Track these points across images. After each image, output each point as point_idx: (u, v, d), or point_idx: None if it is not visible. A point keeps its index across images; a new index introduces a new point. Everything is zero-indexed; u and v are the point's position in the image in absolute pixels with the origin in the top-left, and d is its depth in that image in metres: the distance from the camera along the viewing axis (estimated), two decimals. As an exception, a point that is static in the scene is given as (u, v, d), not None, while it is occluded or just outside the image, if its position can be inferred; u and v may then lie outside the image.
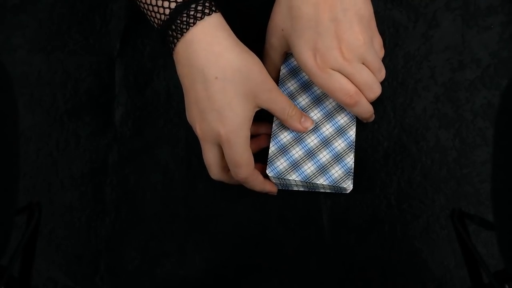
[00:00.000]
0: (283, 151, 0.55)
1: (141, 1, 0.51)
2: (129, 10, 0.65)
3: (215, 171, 0.54)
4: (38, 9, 0.67)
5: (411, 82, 0.58)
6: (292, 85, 0.58)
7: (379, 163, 0.57)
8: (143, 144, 0.62)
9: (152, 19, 0.51)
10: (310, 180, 0.54)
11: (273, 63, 0.57)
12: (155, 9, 0.50)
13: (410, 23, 0.60)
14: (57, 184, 0.62)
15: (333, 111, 0.56)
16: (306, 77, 0.58)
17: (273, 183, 0.57)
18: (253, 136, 0.56)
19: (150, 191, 0.61)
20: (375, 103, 0.55)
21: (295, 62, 0.59)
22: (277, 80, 0.59)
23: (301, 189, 0.57)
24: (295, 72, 0.58)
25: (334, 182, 0.54)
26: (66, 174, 0.62)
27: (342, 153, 0.55)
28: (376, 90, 0.53)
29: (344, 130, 0.56)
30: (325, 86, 0.52)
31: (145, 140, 0.62)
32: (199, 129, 0.51)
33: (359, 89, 0.52)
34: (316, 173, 0.54)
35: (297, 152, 0.55)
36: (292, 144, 0.56)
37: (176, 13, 0.49)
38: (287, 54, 0.59)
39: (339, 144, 0.55)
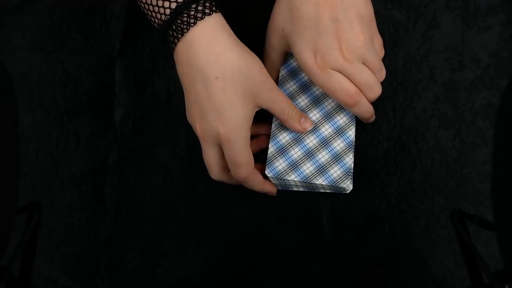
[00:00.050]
0: (282, 152, 0.55)
1: (141, 1, 0.51)
2: (129, 10, 0.65)
3: (215, 171, 0.54)
4: (38, 9, 0.67)
5: (411, 82, 0.58)
6: (291, 86, 0.58)
7: (379, 163, 0.57)
8: (143, 144, 0.62)
9: (152, 19, 0.51)
10: (309, 180, 0.54)
11: (273, 63, 0.57)
12: (156, 9, 0.50)
13: (410, 23, 0.60)
14: (57, 184, 0.62)
15: (332, 112, 0.57)
16: (306, 78, 0.58)
17: (273, 183, 0.57)
18: (253, 137, 0.56)
19: (150, 191, 0.61)
20: (375, 103, 0.55)
21: (294, 63, 0.59)
22: (276, 81, 0.59)
23: (301, 189, 0.57)
24: (294, 73, 0.59)
25: (333, 182, 0.54)
26: (66, 174, 0.62)
27: (341, 153, 0.55)
28: (376, 90, 0.53)
29: (343, 130, 0.56)
30: (325, 86, 0.52)
31: (145, 140, 0.62)
32: (199, 128, 0.51)
33: (359, 89, 0.52)
34: (315, 173, 0.54)
35: (296, 153, 0.55)
36: (291, 145, 0.56)
37: (176, 13, 0.49)
38: (287, 55, 0.59)
39: (338, 144, 0.55)
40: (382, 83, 0.54)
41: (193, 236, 0.59)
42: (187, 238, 0.59)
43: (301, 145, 0.55)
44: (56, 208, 0.62)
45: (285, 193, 0.58)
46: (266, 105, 0.52)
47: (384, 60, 0.55)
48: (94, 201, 0.61)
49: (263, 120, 0.57)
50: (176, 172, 0.61)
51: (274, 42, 0.55)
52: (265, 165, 0.55)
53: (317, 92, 0.57)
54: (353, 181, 0.55)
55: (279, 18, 0.53)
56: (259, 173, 0.54)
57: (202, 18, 0.49)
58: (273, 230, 0.58)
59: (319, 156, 0.55)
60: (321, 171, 0.54)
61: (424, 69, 0.58)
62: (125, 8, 0.65)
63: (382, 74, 0.54)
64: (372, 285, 0.55)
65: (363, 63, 0.52)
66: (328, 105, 0.57)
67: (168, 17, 0.49)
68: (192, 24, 0.48)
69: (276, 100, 0.52)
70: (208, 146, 0.52)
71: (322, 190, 0.57)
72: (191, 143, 0.61)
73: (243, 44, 0.51)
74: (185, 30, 0.49)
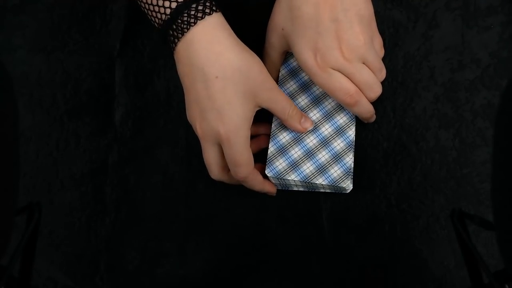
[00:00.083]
0: (282, 151, 0.55)
1: (141, 1, 0.51)
2: (129, 10, 0.65)
3: (215, 171, 0.54)
4: (38, 9, 0.67)
5: (411, 82, 0.58)
6: (291, 85, 0.58)
7: (379, 163, 0.57)
8: (143, 144, 0.62)
9: (153, 18, 0.51)
10: (309, 180, 0.54)
11: (273, 62, 0.57)
12: (156, 9, 0.50)
13: (410, 23, 0.60)
14: (57, 184, 0.62)
15: (332, 111, 0.57)
16: (305, 78, 0.58)
17: (273, 183, 0.57)
18: (253, 137, 0.56)
19: (150, 191, 0.61)
20: (375, 103, 0.55)
21: (294, 63, 0.59)
22: (276, 80, 0.59)
23: (301, 189, 0.57)
24: (294, 73, 0.59)
25: (333, 182, 0.54)
26: (66, 174, 0.62)
27: (341, 153, 0.55)
28: (376, 90, 0.53)
29: (343, 130, 0.56)
30: (325, 85, 0.52)
31: (145, 140, 0.62)
32: (199, 128, 0.51)
33: (359, 88, 0.52)
34: (315, 173, 0.54)
35: (296, 152, 0.55)
36: (291, 144, 0.56)
37: (177, 12, 0.49)
38: (287, 55, 0.59)
39: (338, 144, 0.55)
40: (382, 83, 0.54)
41: (193, 236, 0.59)
42: (187, 238, 0.59)
43: (301, 144, 0.55)
44: (56, 208, 0.62)
45: (285, 193, 0.58)
46: (267, 105, 0.52)
47: (384, 60, 0.55)
48: (94, 201, 0.61)
49: (263, 120, 0.57)
50: (176, 172, 0.61)
51: (274, 41, 0.55)
52: (265, 165, 0.55)
53: (317, 92, 0.57)
54: (353, 181, 0.55)
55: (279, 17, 0.53)
56: (259, 173, 0.54)
57: (202, 18, 0.49)
58: (273, 230, 0.58)
59: (319, 155, 0.55)
60: (321, 171, 0.54)
61: (424, 69, 0.58)
62: (125, 8, 0.65)
63: (382, 73, 0.54)
64: (372, 285, 0.55)
65: (363, 63, 0.52)
66: (328, 104, 0.57)
67: (169, 16, 0.49)
68: (193, 24, 0.48)
69: (277, 100, 0.52)
70: (208, 145, 0.52)
71: (322, 190, 0.57)
72: (191, 143, 0.61)
73: (243, 44, 0.51)
74: (186, 30, 0.49)
